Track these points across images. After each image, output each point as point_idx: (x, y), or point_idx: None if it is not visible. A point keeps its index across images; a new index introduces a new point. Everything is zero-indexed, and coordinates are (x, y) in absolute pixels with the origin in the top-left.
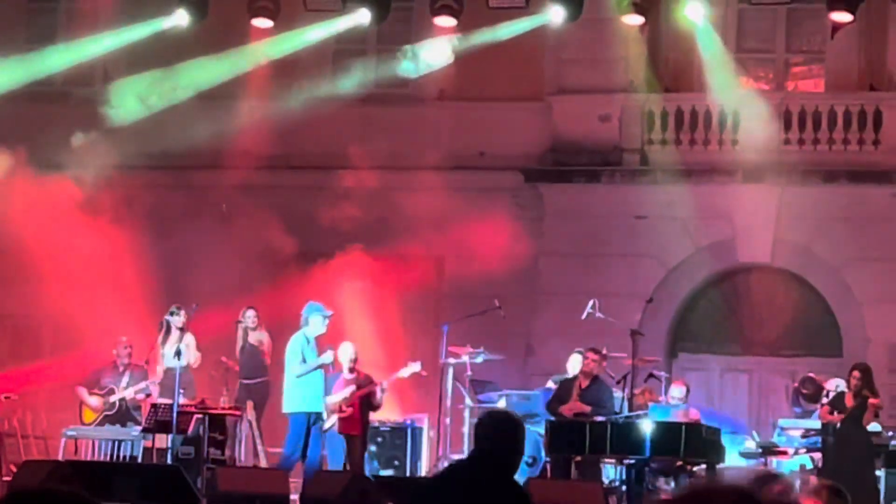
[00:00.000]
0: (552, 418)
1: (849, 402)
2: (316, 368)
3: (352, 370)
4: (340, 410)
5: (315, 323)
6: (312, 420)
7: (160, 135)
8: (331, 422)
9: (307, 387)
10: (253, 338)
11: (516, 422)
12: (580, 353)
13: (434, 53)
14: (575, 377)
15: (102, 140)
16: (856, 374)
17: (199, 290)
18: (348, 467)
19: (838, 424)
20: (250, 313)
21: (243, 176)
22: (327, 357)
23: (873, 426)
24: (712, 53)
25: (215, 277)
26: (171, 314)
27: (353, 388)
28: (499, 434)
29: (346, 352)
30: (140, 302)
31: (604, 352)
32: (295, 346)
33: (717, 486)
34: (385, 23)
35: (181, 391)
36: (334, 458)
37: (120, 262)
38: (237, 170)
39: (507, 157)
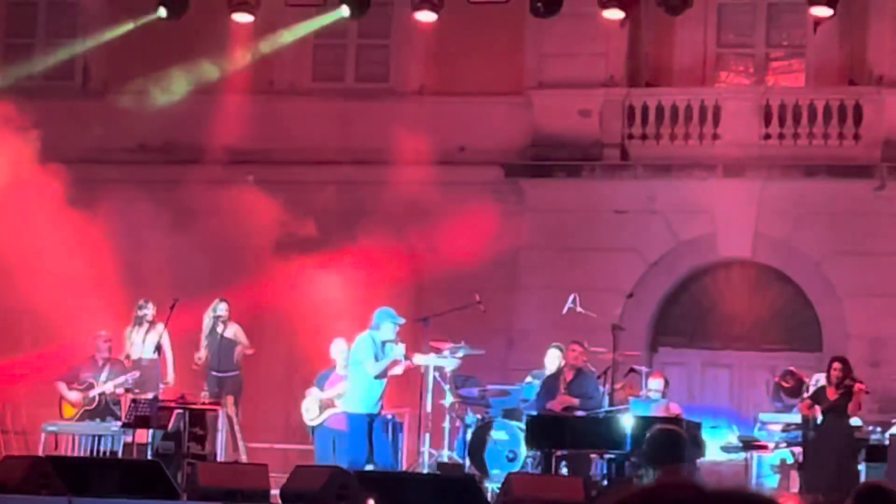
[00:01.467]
0: (534, 413)
1: (830, 395)
2: (390, 364)
3: (346, 366)
4: (334, 406)
5: (386, 329)
6: (369, 421)
7: (139, 128)
8: (323, 417)
9: (375, 388)
10: (228, 331)
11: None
12: (557, 347)
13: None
14: (559, 371)
15: (81, 134)
16: (836, 365)
17: (180, 284)
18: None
19: (819, 418)
20: (222, 306)
21: (223, 170)
22: (399, 351)
23: (854, 420)
24: None
25: (195, 272)
26: (140, 308)
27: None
28: None
29: (339, 348)
30: (119, 296)
31: (584, 346)
32: (367, 347)
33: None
34: (365, 17)
35: (141, 386)
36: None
37: (99, 256)
38: (217, 164)
39: (488, 151)
